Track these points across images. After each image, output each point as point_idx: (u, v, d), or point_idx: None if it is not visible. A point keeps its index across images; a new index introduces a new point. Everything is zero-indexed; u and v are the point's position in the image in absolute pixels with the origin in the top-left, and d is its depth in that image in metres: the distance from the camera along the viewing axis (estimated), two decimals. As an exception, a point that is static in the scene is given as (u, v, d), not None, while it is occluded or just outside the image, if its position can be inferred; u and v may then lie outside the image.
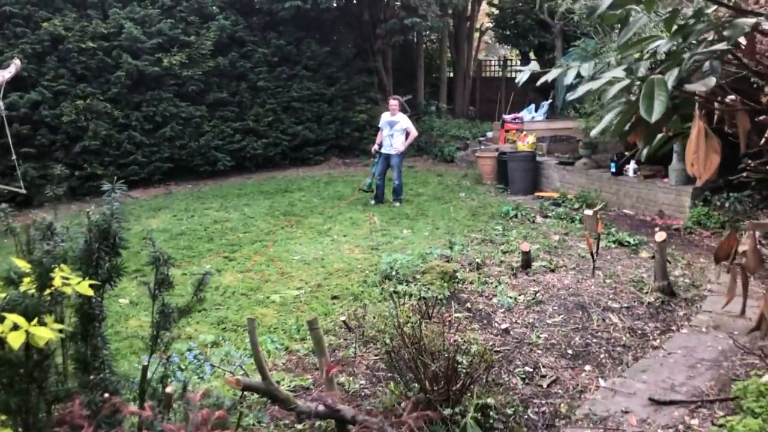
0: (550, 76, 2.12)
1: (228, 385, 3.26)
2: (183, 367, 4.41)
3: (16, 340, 1.58)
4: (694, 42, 1.77)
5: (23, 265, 1.87)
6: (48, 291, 1.82)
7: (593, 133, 2.06)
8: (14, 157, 9.43)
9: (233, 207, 10.38)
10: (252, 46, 13.91)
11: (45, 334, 1.63)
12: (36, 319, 1.66)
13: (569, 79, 2.04)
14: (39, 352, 1.78)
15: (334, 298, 5.95)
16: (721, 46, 1.66)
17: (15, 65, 9.64)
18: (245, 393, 3.42)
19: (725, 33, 1.69)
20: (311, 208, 10.10)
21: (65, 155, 11.80)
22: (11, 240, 2.24)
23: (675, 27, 1.78)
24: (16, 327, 1.61)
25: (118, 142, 12.28)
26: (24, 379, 1.73)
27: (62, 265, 1.82)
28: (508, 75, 19.33)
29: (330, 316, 5.43)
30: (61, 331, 1.81)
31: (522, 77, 2.12)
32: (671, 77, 1.54)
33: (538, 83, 2.30)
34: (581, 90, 1.80)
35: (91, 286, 1.84)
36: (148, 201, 11.47)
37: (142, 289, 6.20)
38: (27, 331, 1.60)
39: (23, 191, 9.11)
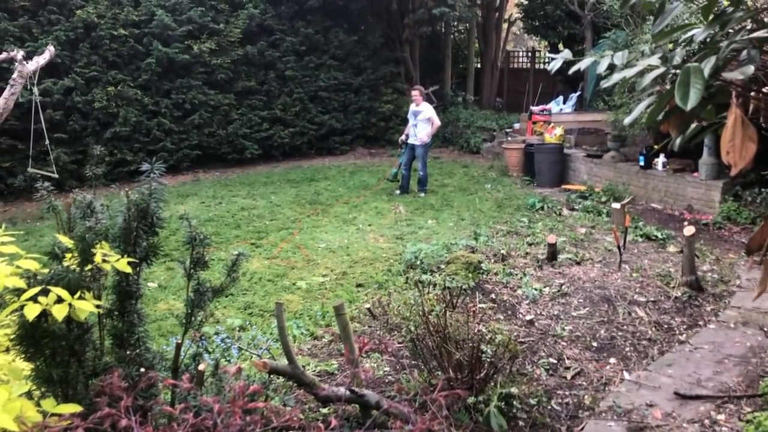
0: (583, 65, 2.11)
1: (255, 367, 3.32)
2: (210, 350, 4.49)
3: (59, 313, 1.63)
4: (731, 30, 1.75)
5: (66, 241, 1.93)
6: (89, 267, 1.88)
7: (626, 121, 2.05)
8: (47, 142, 9.61)
9: (260, 195, 10.48)
10: (280, 34, 13.97)
11: (87, 307, 1.68)
12: (78, 294, 1.72)
13: (602, 67, 2.03)
14: (79, 326, 1.83)
15: (358, 285, 5.99)
16: (762, 33, 1.64)
17: (49, 51, 9.80)
18: (271, 376, 3.47)
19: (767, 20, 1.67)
20: (337, 196, 10.15)
21: (96, 141, 11.98)
22: (42, 222, 2.30)
23: (712, 15, 1.76)
24: (59, 300, 1.67)
25: (147, 129, 12.45)
26: (65, 351, 1.79)
27: (102, 243, 1.88)
28: (537, 66, 19.15)
29: (355, 304, 5.47)
30: (99, 307, 1.87)
31: (554, 65, 2.12)
32: (708, 65, 1.52)
33: (570, 71, 2.29)
34: (616, 77, 1.79)
35: (128, 263, 1.89)
36: (177, 188, 11.62)
37: (171, 273, 6.32)
38: (70, 305, 1.66)
39: (55, 175, 9.28)
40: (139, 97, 12.32)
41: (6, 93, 8.76)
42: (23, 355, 1.77)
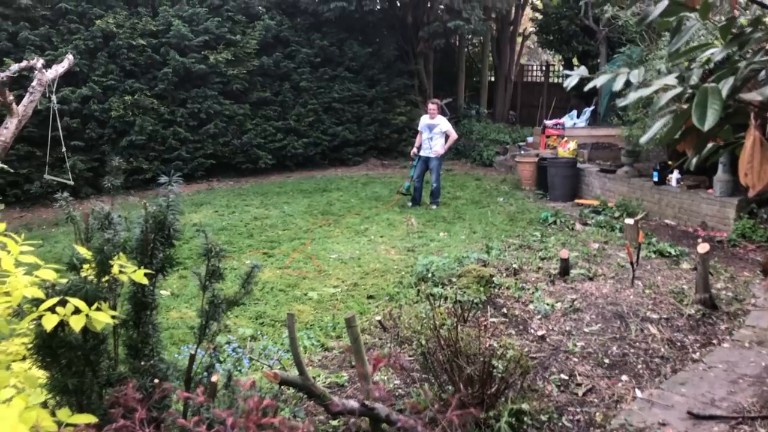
0: (598, 82, 2.11)
1: (266, 378, 3.32)
2: (222, 359, 4.50)
3: (77, 323, 1.65)
4: (750, 50, 1.75)
5: (84, 251, 1.95)
6: (106, 278, 1.90)
7: (643, 140, 2.04)
8: (64, 149, 9.72)
9: (273, 204, 10.53)
10: (296, 46, 14.09)
11: (103, 318, 1.70)
12: (95, 305, 1.73)
13: (618, 85, 2.03)
14: (95, 337, 1.85)
15: (369, 297, 5.99)
16: (779, 55, 1.64)
17: (68, 60, 9.93)
18: (282, 387, 3.47)
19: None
20: (349, 207, 10.18)
21: (112, 149, 12.11)
22: (57, 228, 2.32)
23: (731, 35, 1.76)
24: (77, 311, 1.68)
25: (163, 138, 12.57)
26: (81, 361, 1.80)
27: (120, 254, 1.89)
28: (550, 80, 19.16)
29: (365, 315, 5.47)
30: (114, 317, 1.89)
31: (570, 81, 2.12)
32: (726, 86, 1.52)
33: (586, 89, 2.30)
34: (632, 97, 1.80)
35: (145, 275, 1.91)
36: (191, 196, 11.70)
37: (184, 282, 6.35)
38: (87, 315, 1.67)
39: (71, 183, 9.38)
40: (156, 107, 12.45)
41: (25, 100, 8.88)
42: (39, 364, 1.79)
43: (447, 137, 10.23)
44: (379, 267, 6.88)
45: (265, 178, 13.38)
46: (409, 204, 10.28)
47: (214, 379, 1.87)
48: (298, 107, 14.20)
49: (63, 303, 1.67)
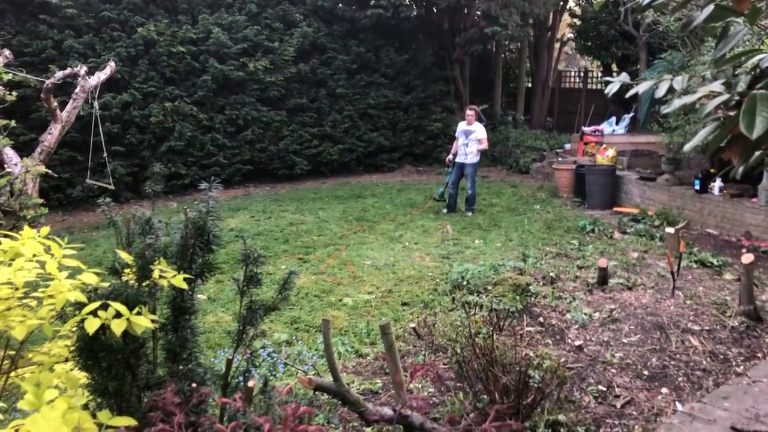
0: (641, 89, 2.07)
1: (301, 384, 3.33)
2: (257, 364, 4.53)
3: (118, 327, 1.68)
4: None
5: (126, 256, 1.98)
6: (146, 282, 1.93)
7: (686, 148, 1.99)
8: (105, 154, 9.95)
9: (308, 210, 10.60)
10: (332, 53, 14.19)
11: (143, 323, 1.73)
12: (136, 309, 1.76)
13: (661, 92, 1.99)
14: (135, 340, 1.88)
15: (404, 304, 5.97)
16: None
17: (110, 67, 10.18)
18: (316, 393, 3.48)
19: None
20: (383, 214, 10.18)
21: (152, 154, 12.35)
22: (98, 232, 2.37)
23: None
24: (118, 315, 1.71)
25: (201, 144, 12.77)
26: (121, 364, 1.84)
27: (160, 259, 1.92)
28: (589, 86, 18.92)
29: (400, 322, 5.45)
30: (154, 321, 1.91)
31: (612, 88, 2.08)
32: (775, 93, 1.48)
33: (627, 95, 2.25)
34: (677, 104, 1.75)
35: (185, 279, 1.94)
36: (228, 201, 11.86)
37: (220, 286, 6.42)
38: (128, 320, 1.70)
39: (111, 187, 9.58)
40: (195, 113, 12.66)
41: (69, 106, 9.13)
42: (81, 367, 1.82)
43: (481, 143, 10.16)
44: (413, 274, 6.86)
45: (301, 184, 13.49)
46: (444, 211, 10.24)
47: (250, 384, 1.88)
48: (334, 114, 14.29)
49: (105, 307, 1.71)
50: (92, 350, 1.78)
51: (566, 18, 19.13)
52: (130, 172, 12.02)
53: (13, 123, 7.86)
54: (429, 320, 5.31)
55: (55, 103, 8.88)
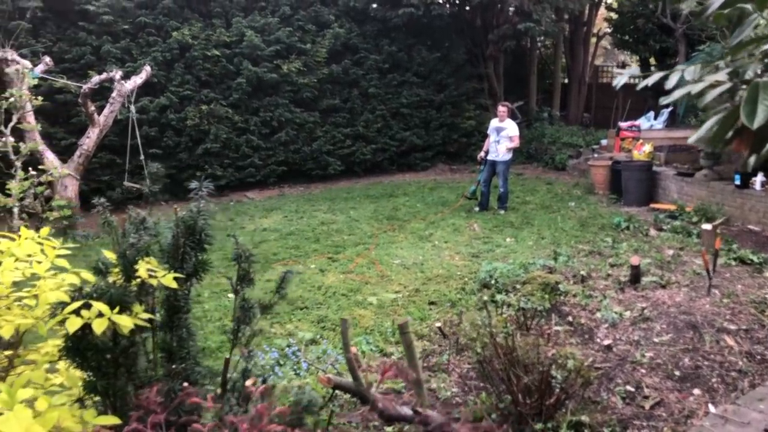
0: (650, 80, 2.01)
1: (320, 382, 3.34)
2: (281, 362, 4.57)
3: (99, 327, 1.71)
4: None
5: (112, 257, 2.01)
6: (135, 282, 1.95)
7: (691, 140, 1.93)
8: (142, 156, 10.16)
9: (340, 210, 10.64)
10: (364, 53, 14.22)
11: (126, 322, 1.75)
12: (118, 308, 1.78)
13: (671, 83, 1.93)
14: (126, 339, 1.90)
15: (431, 303, 5.94)
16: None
17: (146, 71, 10.39)
18: (336, 392, 3.48)
19: None
20: (414, 213, 10.16)
21: (188, 156, 12.56)
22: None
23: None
24: (101, 314, 1.74)
25: (236, 146, 12.93)
26: (110, 363, 1.86)
27: (149, 258, 1.95)
28: (627, 81, 18.50)
29: (426, 321, 5.42)
30: (151, 321, 1.94)
31: (620, 81, 2.03)
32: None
33: (646, 84, 2.19)
34: (677, 94, 1.69)
35: (176, 279, 1.95)
36: (263, 202, 12.00)
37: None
38: (112, 319, 1.72)
39: (147, 189, 9.76)
40: (230, 115, 12.83)
41: (106, 111, 9.36)
42: (75, 365, 1.85)
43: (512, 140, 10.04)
44: (442, 273, 6.82)
45: (334, 184, 13.56)
46: (476, 209, 10.15)
47: (248, 383, 1.89)
48: (367, 113, 14.32)
49: (88, 306, 1.73)
50: (79, 349, 1.81)
51: (603, 12, 18.78)
52: (167, 174, 12.23)
53: (39, 127, 8.09)
54: (455, 319, 5.27)
55: (93, 108, 9.11)
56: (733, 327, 5.10)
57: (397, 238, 8.57)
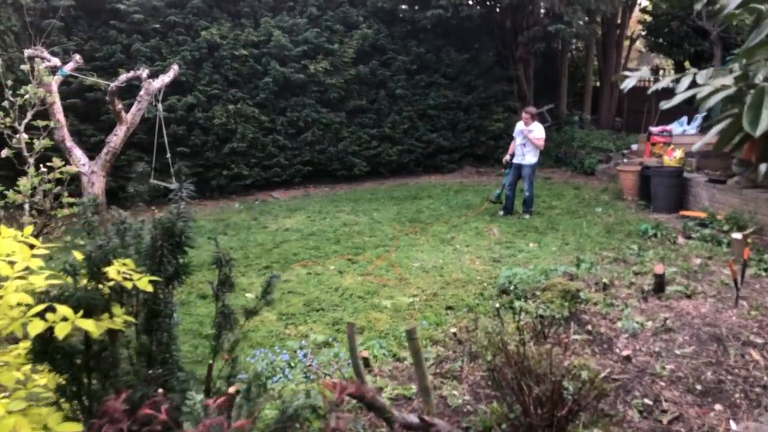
0: (660, 85, 1.93)
1: (325, 388, 3.29)
2: (292, 364, 4.54)
3: (61, 331, 1.68)
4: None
5: (81, 258, 1.98)
6: (107, 285, 1.92)
7: (695, 147, 1.83)
8: (169, 155, 10.26)
9: (363, 211, 10.60)
10: (392, 54, 14.17)
11: (90, 327, 1.71)
12: (81, 312, 1.74)
13: (682, 86, 1.84)
14: (99, 343, 1.87)
15: (448, 308, 5.86)
16: None
17: (174, 70, 10.49)
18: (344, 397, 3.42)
19: None
20: (438, 215, 10.07)
21: (215, 155, 12.66)
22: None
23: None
24: (66, 318, 1.71)
25: (263, 145, 12.99)
26: (81, 367, 1.83)
27: (126, 260, 1.91)
28: (664, 86, 18.13)
29: (442, 327, 5.35)
30: (132, 325, 1.91)
31: (628, 83, 1.95)
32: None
33: (648, 91, 2.09)
34: (677, 99, 1.61)
35: (155, 282, 1.92)
36: (287, 201, 12.03)
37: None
38: (77, 324, 1.68)
39: (175, 186, 9.85)
40: (256, 115, 12.89)
41: (133, 108, 9.46)
42: (48, 369, 1.83)
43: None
44: (461, 277, 6.73)
45: (359, 185, 13.53)
46: (501, 213, 10.02)
47: (231, 390, 1.85)
48: (393, 114, 14.26)
49: (53, 309, 1.70)
50: (47, 353, 1.78)
51: (637, 14, 18.42)
52: (194, 173, 12.34)
53: (52, 124, 8.19)
54: (470, 325, 5.18)
55: (120, 106, 9.22)
56: (759, 341, 4.91)
57: (419, 240, 8.49)
